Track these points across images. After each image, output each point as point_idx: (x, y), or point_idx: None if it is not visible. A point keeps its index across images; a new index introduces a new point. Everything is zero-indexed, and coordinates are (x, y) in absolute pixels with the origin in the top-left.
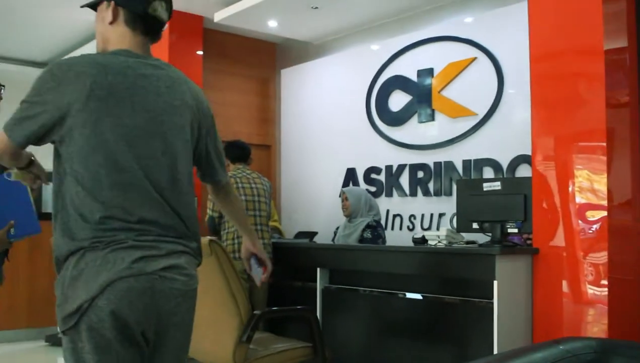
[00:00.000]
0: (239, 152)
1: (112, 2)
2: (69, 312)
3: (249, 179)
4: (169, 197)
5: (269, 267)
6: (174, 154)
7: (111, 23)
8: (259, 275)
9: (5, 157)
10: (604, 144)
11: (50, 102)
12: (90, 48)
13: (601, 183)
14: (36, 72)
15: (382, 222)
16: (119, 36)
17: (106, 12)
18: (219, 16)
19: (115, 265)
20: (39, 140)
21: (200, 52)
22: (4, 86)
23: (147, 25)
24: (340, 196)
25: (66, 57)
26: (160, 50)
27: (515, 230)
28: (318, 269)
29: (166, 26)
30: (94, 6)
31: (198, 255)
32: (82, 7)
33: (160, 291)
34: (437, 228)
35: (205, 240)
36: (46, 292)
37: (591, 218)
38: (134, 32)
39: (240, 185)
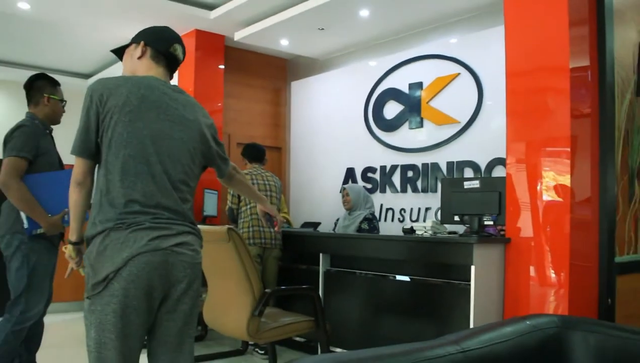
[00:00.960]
0: (255, 153)
1: (142, 42)
2: (97, 281)
3: (263, 176)
4: (178, 188)
5: (278, 221)
6: (186, 156)
7: (139, 58)
8: (272, 227)
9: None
10: (568, 149)
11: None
12: None
13: (565, 183)
14: (82, 83)
15: (377, 214)
16: (146, 68)
17: (135, 50)
18: (239, 35)
19: (136, 243)
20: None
21: (222, 66)
22: (65, 101)
23: (168, 61)
24: (341, 192)
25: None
26: (187, 65)
27: (491, 223)
28: (321, 254)
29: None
30: (121, 51)
31: (200, 236)
32: (111, 51)
33: (173, 263)
34: (424, 220)
35: (224, 228)
36: None
37: (555, 213)
38: (157, 65)
39: (255, 181)
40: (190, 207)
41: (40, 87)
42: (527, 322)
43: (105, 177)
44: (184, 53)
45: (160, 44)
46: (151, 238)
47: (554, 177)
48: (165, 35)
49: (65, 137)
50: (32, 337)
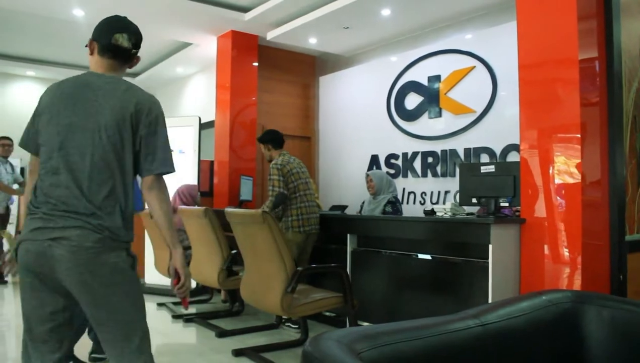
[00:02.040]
0: (279, 138)
1: (90, 39)
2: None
3: (299, 162)
4: (90, 179)
5: (181, 279)
6: (99, 146)
7: (91, 54)
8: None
9: None
10: (579, 136)
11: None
12: (173, 62)
13: (575, 167)
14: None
15: (399, 197)
16: (94, 63)
17: (89, 48)
18: (271, 35)
19: (24, 230)
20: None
21: (255, 64)
22: None
23: (114, 53)
24: (365, 178)
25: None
26: (224, 63)
27: (506, 204)
28: (348, 235)
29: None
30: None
31: (102, 230)
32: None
33: (52, 256)
34: (444, 203)
35: (258, 211)
36: (136, 250)
37: (567, 195)
38: (103, 58)
39: (297, 170)
40: (107, 198)
41: None
42: (543, 297)
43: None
44: (131, 39)
45: (102, 37)
46: (33, 229)
47: (565, 161)
48: (106, 27)
49: None
50: None
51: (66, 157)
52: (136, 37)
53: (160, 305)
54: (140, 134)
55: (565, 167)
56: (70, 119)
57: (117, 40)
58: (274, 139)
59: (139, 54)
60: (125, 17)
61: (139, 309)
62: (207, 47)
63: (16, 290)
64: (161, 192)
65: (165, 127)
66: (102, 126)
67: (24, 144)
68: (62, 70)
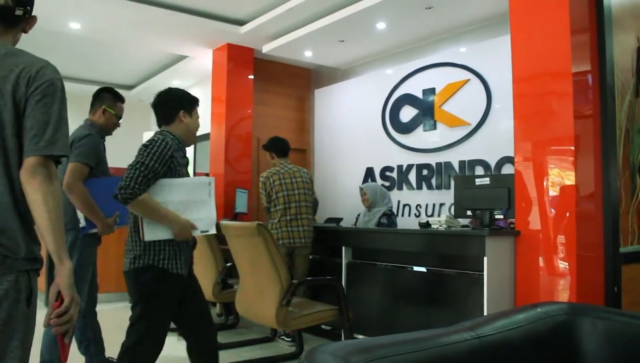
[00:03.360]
0: (281, 146)
1: None
2: None
3: (290, 173)
4: None
5: (64, 303)
6: None
7: None
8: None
9: None
10: (572, 148)
11: None
12: (168, 75)
13: (570, 179)
14: (126, 94)
15: (394, 210)
16: None
17: None
18: (267, 48)
19: None
20: None
21: (251, 77)
22: (121, 117)
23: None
24: (359, 191)
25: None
26: (220, 75)
27: (501, 217)
28: (343, 247)
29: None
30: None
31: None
32: None
33: None
34: (439, 215)
35: (254, 224)
36: None
37: (561, 207)
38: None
39: (280, 181)
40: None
41: (103, 98)
42: (538, 309)
43: None
44: None
45: None
46: None
47: (560, 173)
48: None
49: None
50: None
51: None
52: None
53: None
54: (27, 106)
55: (560, 179)
56: None
57: None
58: (276, 147)
59: (34, 14)
60: None
61: None
62: (203, 60)
63: None
64: (48, 182)
65: (63, 101)
66: None
67: None
68: None
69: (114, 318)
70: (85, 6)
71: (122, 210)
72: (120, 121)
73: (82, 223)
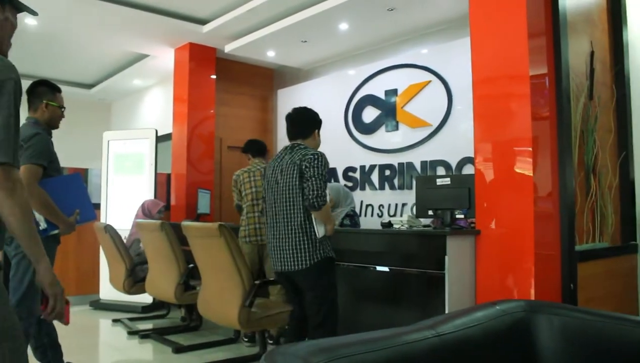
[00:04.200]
0: (257, 147)
1: None
2: None
3: (261, 171)
4: None
5: (49, 302)
6: None
7: None
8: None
9: None
10: (530, 149)
11: None
12: (129, 74)
13: (528, 180)
14: (85, 92)
15: (357, 210)
16: None
17: None
18: (229, 47)
19: None
20: None
21: (213, 76)
22: (64, 108)
23: None
24: None
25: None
26: (182, 75)
27: (462, 216)
28: None
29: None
30: None
31: None
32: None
33: None
34: (401, 215)
35: (215, 225)
36: (91, 265)
37: (520, 207)
38: None
39: (252, 178)
40: None
41: (41, 93)
42: (497, 307)
43: None
44: None
45: None
46: None
47: (518, 174)
48: None
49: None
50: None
51: None
52: None
53: (115, 321)
54: None
55: (518, 180)
56: None
57: None
58: (253, 148)
59: None
60: None
61: None
62: (164, 59)
63: None
64: (10, 189)
65: (13, 100)
66: None
67: None
68: None
69: (73, 321)
70: (41, 1)
71: (81, 206)
72: (64, 111)
73: (43, 225)
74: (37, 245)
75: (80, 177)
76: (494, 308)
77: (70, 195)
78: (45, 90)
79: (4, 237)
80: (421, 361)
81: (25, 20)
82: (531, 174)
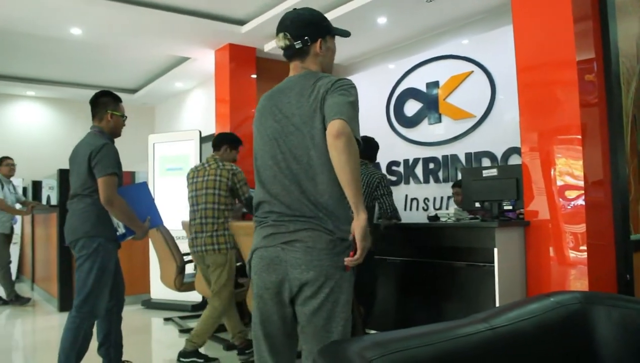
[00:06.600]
0: (215, 141)
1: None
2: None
3: (204, 170)
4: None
5: (357, 254)
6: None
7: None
8: None
9: None
10: (579, 137)
11: None
12: (171, 77)
13: (578, 168)
14: (128, 98)
15: (402, 204)
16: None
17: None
18: (268, 47)
19: (256, 239)
20: None
21: (254, 76)
22: (126, 116)
23: None
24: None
25: (150, 85)
26: (222, 76)
27: (510, 207)
28: None
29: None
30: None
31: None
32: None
33: (285, 260)
34: (447, 208)
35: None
36: (141, 265)
37: (570, 196)
38: None
39: (195, 179)
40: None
41: (104, 103)
42: (551, 299)
43: None
44: None
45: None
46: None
47: (567, 162)
48: None
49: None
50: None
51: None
52: None
53: (167, 320)
54: None
55: (568, 168)
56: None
57: None
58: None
59: None
60: None
61: None
62: (205, 61)
63: (20, 310)
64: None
65: None
66: None
67: None
68: (62, 89)
69: (126, 321)
70: (85, 12)
71: (153, 213)
72: (125, 120)
73: (121, 230)
74: (358, 195)
75: (146, 185)
76: (548, 300)
77: (141, 203)
78: (109, 101)
79: None
80: (474, 355)
81: (71, 31)
82: (581, 162)
